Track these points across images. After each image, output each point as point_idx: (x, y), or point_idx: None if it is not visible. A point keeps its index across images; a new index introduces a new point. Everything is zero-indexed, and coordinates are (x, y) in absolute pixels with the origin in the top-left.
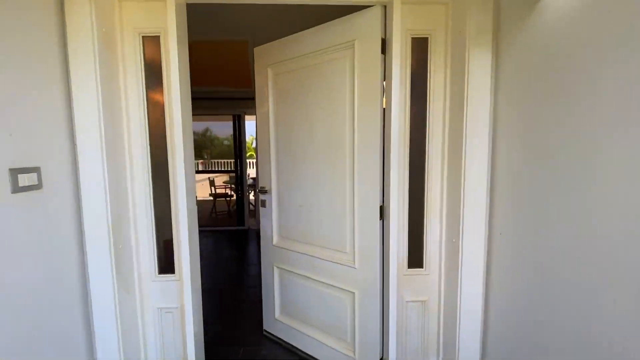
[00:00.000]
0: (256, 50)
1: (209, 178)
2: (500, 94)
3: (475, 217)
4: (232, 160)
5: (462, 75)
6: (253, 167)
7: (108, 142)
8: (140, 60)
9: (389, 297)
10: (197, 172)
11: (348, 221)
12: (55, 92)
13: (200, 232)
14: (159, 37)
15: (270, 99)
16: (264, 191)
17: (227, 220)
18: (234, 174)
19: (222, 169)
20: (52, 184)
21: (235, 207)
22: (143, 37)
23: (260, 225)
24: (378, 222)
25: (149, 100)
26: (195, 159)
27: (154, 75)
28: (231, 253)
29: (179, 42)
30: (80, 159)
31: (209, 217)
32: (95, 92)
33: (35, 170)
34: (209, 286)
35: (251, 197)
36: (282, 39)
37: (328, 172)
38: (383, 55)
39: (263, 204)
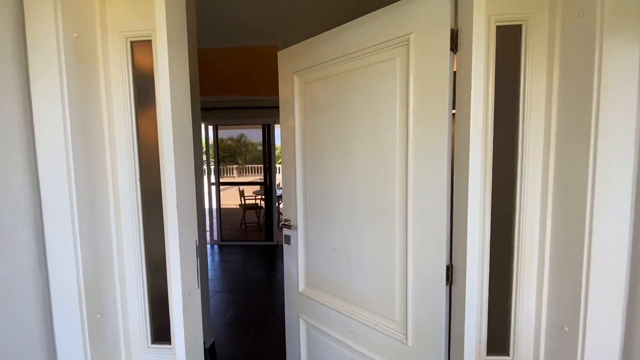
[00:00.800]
0: (280, 54)
1: (238, 189)
2: None
3: (609, 302)
4: (268, 165)
5: (586, 82)
6: None
7: (81, 181)
8: (128, 71)
9: None
10: (226, 184)
11: (398, 280)
12: (10, 120)
13: (228, 246)
14: (150, 41)
15: (297, 113)
16: (288, 226)
17: (256, 234)
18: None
19: (256, 174)
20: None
21: (264, 218)
22: (132, 42)
23: (284, 264)
24: (444, 287)
25: (140, 120)
26: (230, 165)
27: (147, 89)
28: (258, 274)
29: (171, 45)
30: (45, 209)
31: (239, 229)
32: (62, 118)
33: None
34: (233, 317)
35: (281, 207)
36: (310, 39)
37: (371, 211)
38: (453, 53)
39: (287, 240)
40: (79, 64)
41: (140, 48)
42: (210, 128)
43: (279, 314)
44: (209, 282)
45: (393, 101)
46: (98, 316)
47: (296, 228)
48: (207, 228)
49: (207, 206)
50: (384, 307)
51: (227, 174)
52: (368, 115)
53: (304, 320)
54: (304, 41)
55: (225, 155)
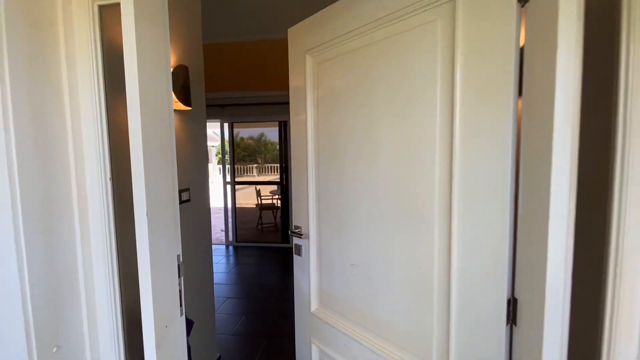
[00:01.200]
0: (291, 31)
1: (255, 188)
2: None
3: None
4: (284, 164)
5: None
6: None
7: (30, 182)
8: (96, 43)
9: None
10: (241, 183)
11: (437, 312)
12: None
13: (243, 248)
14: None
15: (309, 101)
16: (298, 234)
17: (272, 235)
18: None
19: (274, 173)
20: None
21: (281, 219)
22: (100, 6)
23: (295, 278)
24: (503, 327)
25: (113, 107)
26: (250, 164)
27: (122, 67)
28: (272, 279)
29: (140, 5)
30: None
31: (255, 229)
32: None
33: None
34: (242, 327)
35: None
36: (326, 9)
37: (400, 221)
38: (520, 6)
39: (297, 250)
40: (29, 32)
41: (111, 14)
42: (226, 125)
43: (292, 325)
44: (221, 287)
45: (432, 79)
46: (54, 350)
47: (308, 237)
48: (222, 228)
49: (222, 205)
50: (416, 343)
51: (247, 173)
52: (398, 99)
53: (317, 346)
54: (319, 12)
55: (246, 155)
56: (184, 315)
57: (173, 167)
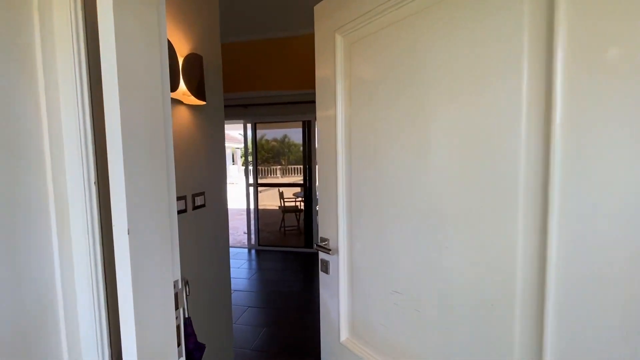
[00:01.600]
0: (317, 9)
1: (278, 190)
2: None
3: None
4: (307, 166)
5: None
6: None
7: None
8: (78, 20)
9: None
10: (264, 185)
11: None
12: None
13: (265, 252)
14: None
15: (339, 92)
16: (326, 249)
17: (295, 239)
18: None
19: (298, 175)
20: None
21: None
22: None
23: (321, 299)
24: None
25: (97, 96)
26: (273, 165)
27: None
28: (295, 287)
29: None
30: None
31: (278, 232)
32: None
33: None
34: (263, 341)
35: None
36: None
37: (464, 241)
38: None
39: (324, 267)
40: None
41: None
42: (249, 126)
43: (318, 341)
44: (242, 294)
45: (515, 49)
46: None
47: (337, 252)
48: (245, 230)
49: (244, 207)
50: None
51: (271, 174)
52: (461, 79)
53: None
54: None
55: (270, 157)
56: (183, 358)
57: (169, 170)
